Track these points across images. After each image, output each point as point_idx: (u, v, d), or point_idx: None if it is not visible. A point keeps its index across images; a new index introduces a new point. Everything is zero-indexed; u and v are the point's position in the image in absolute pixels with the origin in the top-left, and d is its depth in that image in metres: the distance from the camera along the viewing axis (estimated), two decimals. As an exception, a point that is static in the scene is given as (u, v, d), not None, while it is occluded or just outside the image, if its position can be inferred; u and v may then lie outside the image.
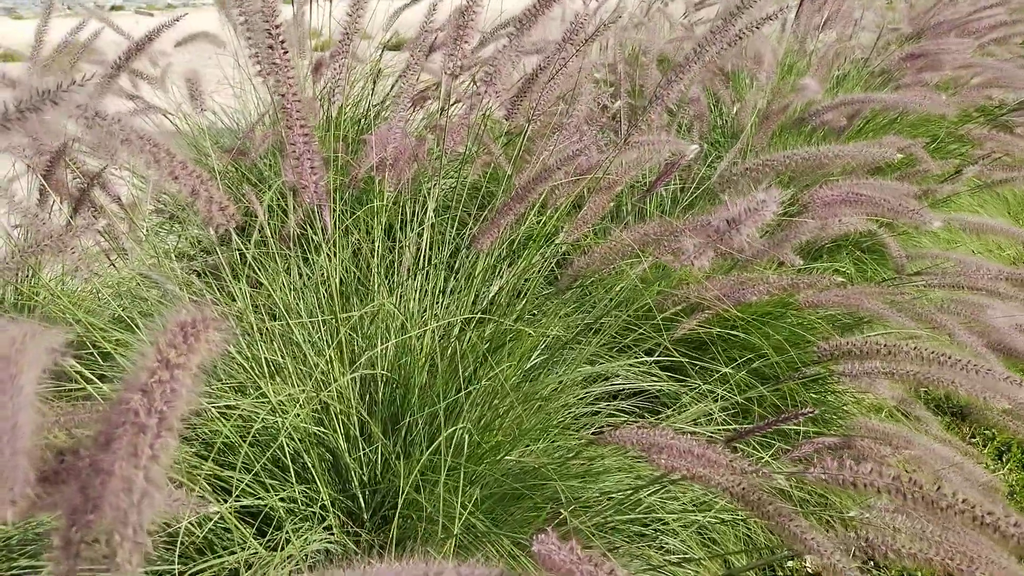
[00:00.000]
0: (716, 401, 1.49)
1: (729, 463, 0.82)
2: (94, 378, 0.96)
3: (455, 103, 2.46)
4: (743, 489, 0.86)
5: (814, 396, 1.82)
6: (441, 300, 1.51)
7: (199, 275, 1.86)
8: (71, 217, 1.53)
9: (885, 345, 1.09)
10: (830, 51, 2.96)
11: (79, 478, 0.45)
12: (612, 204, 2.11)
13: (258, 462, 1.11)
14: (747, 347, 1.83)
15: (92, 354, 1.11)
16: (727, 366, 1.70)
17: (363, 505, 1.21)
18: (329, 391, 1.16)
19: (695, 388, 1.54)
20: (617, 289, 1.54)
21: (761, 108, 2.46)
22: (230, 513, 1.00)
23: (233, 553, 0.99)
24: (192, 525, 0.93)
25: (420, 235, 1.61)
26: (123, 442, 0.44)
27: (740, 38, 1.25)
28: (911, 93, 2.44)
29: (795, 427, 1.72)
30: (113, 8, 14.85)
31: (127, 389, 0.48)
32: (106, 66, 1.66)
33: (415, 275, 1.53)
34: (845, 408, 1.76)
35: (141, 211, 1.90)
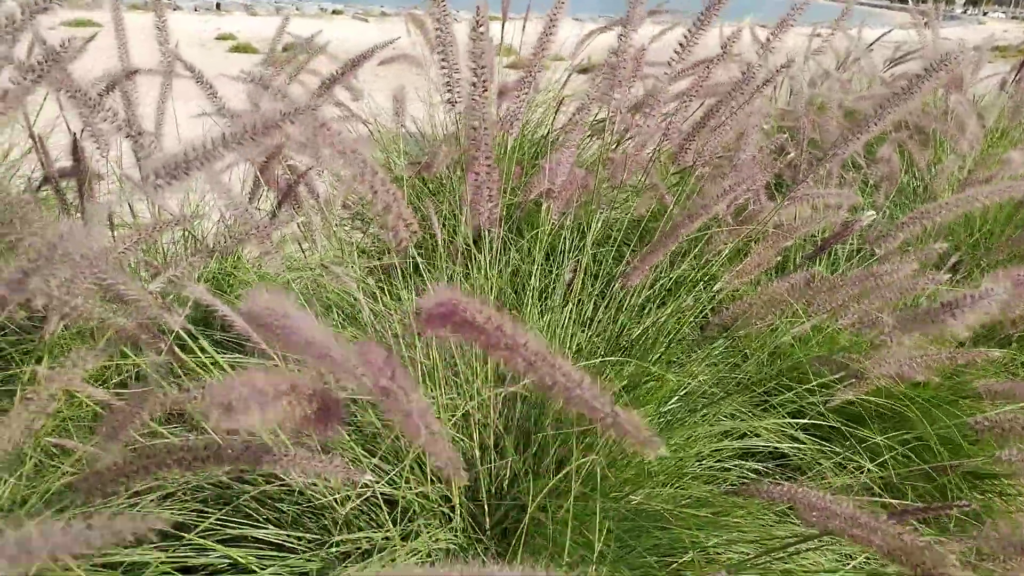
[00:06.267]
0: (862, 474, 1.42)
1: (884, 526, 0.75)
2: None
3: (630, 138, 2.50)
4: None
5: (978, 497, 1.67)
6: (587, 331, 1.55)
7: (372, 271, 2.02)
8: (276, 208, 1.72)
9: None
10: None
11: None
12: (780, 259, 2.05)
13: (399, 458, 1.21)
14: (907, 429, 1.71)
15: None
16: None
17: (487, 512, 1.27)
18: (472, 403, 1.24)
19: (839, 457, 1.47)
20: (771, 344, 1.50)
21: (960, 177, 2.29)
22: (368, 499, 1.09)
23: (364, 532, 1.08)
24: (336, 504, 1.02)
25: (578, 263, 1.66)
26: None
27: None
28: None
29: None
30: (334, 12, 16.24)
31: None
32: (320, 76, 1.88)
33: (566, 302, 1.58)
34: (1011, 515, 1.60)
35: (334, 208, 2.10)
